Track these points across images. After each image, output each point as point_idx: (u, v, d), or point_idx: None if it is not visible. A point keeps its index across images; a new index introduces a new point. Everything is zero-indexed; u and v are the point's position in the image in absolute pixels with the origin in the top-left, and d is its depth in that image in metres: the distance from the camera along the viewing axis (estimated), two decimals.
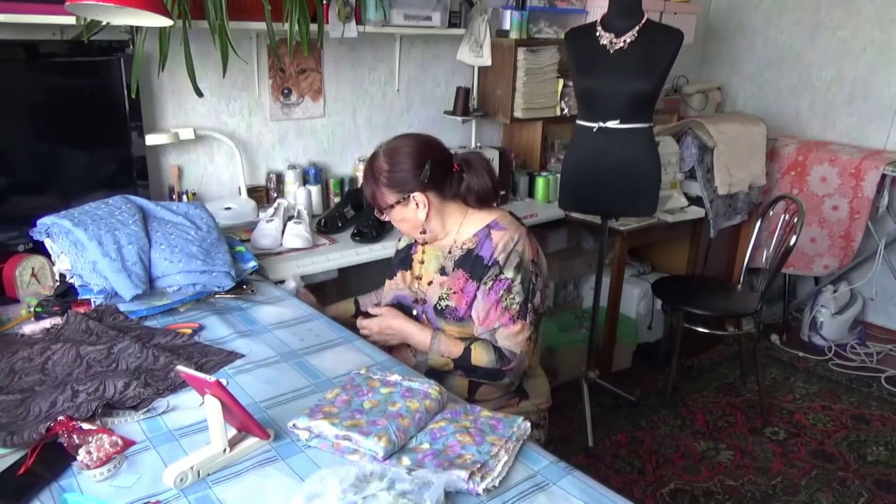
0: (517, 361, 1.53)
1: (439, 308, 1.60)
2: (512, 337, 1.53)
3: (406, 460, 1.11)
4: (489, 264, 1.56)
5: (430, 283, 1.64)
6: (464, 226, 1.63)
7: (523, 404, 1.70)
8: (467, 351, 1.53)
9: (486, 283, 1.55)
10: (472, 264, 1.58)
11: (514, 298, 1.53)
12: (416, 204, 1.57)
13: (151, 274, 1.72)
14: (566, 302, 3.49)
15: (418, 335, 1.61)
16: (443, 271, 1.62)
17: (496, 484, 1.08)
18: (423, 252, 1.71)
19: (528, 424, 1.22)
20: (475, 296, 1.57)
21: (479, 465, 1.08)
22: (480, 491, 1.06)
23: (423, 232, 1.62)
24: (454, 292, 1.58)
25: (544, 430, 1.74)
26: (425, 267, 1.69)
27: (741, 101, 4.08)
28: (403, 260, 1.75)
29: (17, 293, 1.72)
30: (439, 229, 1.62)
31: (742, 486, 2.49)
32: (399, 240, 1.82)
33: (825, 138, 3.72)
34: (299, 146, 2.66)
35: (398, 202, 1.56)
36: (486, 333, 1.54)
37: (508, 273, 1.54)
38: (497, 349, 1.53)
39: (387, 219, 1.63)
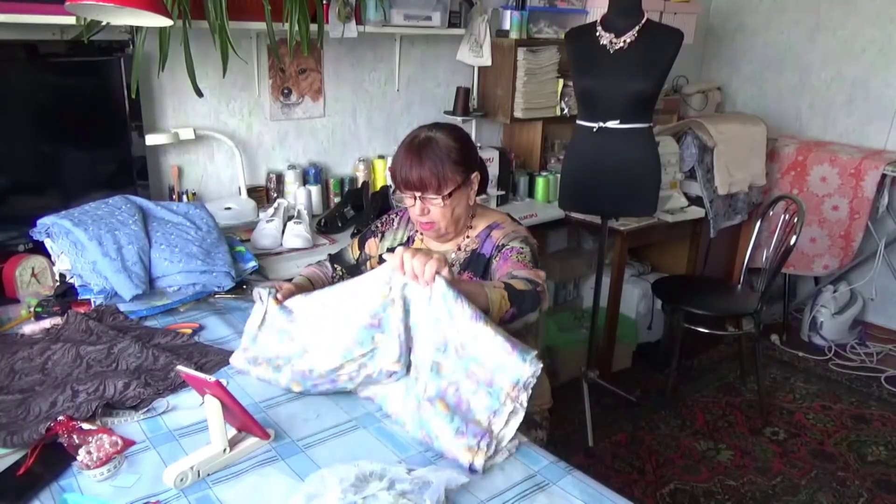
0: (543, 286, 1.43)
1: None
2: (530, 272, 1.45)
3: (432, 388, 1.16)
4: (492, 254, 1.55)
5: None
6: (471, 229, 1.61)
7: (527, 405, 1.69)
8: (505, 283, 1.38)
9: (493, 263, 1.53)
10: (476, 263, 1.57)
11: (524, 256, 1.50)
12: (472, 186, 1.54)
13: (151, 274, 1.72)
14: (566, 302, 3.49)
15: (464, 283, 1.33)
16: None
17: (503, 456, 1.14)
18: None
19: (540, 365, 1.17)
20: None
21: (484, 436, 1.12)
22: (481, 469, 1.10)
23: (451, 226, 1.54)
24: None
25: (546, 431, 1.74)
26: None
27: (741, 101, 4.08)
28: None
29: (17, 293, 1.72)
30: (463, 220, 1.57)
31: (742, 486, 2.49)
32: (379, 238, 1.70)
33: (825, 138, 3.72)
34: (299, 146, 2.66)
35: (462, 182, 1.50)
36: (504, 278, 1.46)
37: (513, 244, 1.52)
38: (521, 277, 1.43)
39: (426, 214, 1.50)
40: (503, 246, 1.54)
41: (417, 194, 1.49)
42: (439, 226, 1.54)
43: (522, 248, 1.52)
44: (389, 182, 2.68)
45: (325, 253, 2.16)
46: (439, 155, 1.47)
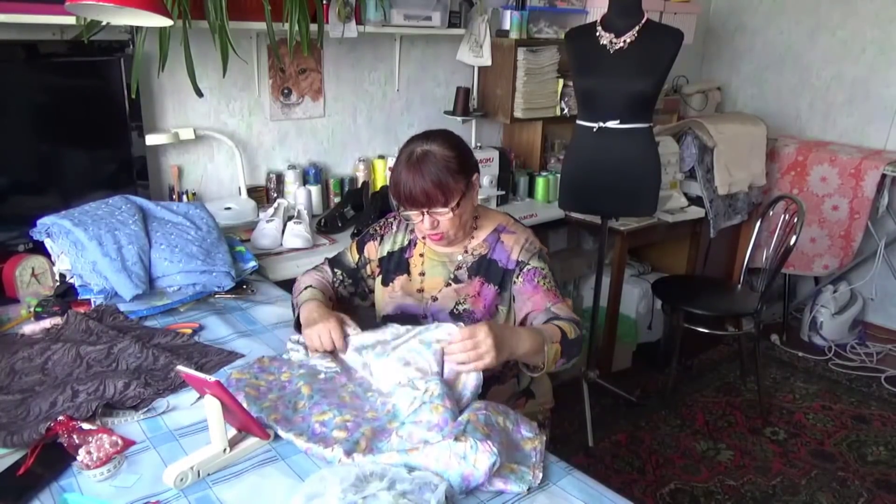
0: (582, 326, 1.48)
1: (456, 312, 1.56)
2: (566, 309, 1.50)
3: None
4: (510, 268, 1.54)
5: (439, 292, 1.59)
6: (476, 230, 1.60)
7: (529, 404, 1.69)
8: (561, 329, 1.41)
9: (515, 282, 1.54)
10: (487, 268, 1.56)
11: (550, 282, 1.53)
12: (475, 188, 1.53)
13: (151, 274, 1.72)
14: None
15: (526, 334, 1.35)
16: (456, 280, 1.59)
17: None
18: (423, 263, 1.63)
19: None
20: (493, 299, 1.55)
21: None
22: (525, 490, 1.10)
23: (460, 231, 1.54)
24: (471, 296, 1.56)
25: (548, 430, 1.74)
26: (427, 279, 1.62)
27: (741, 101, 4.08)
28: (399, 265, 1.65)
29: (17, 293, 1.72)
30: (469, 223, 1.57)
31: (742, 486, 2.49)
32: (378, 241, 1.69)
33: (825, 138, 3.72)
34: (299, 146, 2.66)
35: (467, 188, 1.49)
36: (541, 315, 1.49)
37: (535, 263, 1.54)
38: (566, 319, 1.46)
39: (436, 227, 1.49)
40: (524, 264, 1.54)
41: (424, 210, 1.48)
42: (449, 234, 1.53)
43: (545, 270, 1.54)
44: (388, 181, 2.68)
45: (324, 253, 2.17)
46: (439, 168, 1.45)
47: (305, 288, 1.62)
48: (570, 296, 3.51)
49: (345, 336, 1.44)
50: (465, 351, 1.25)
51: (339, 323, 1.45)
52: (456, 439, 1.07)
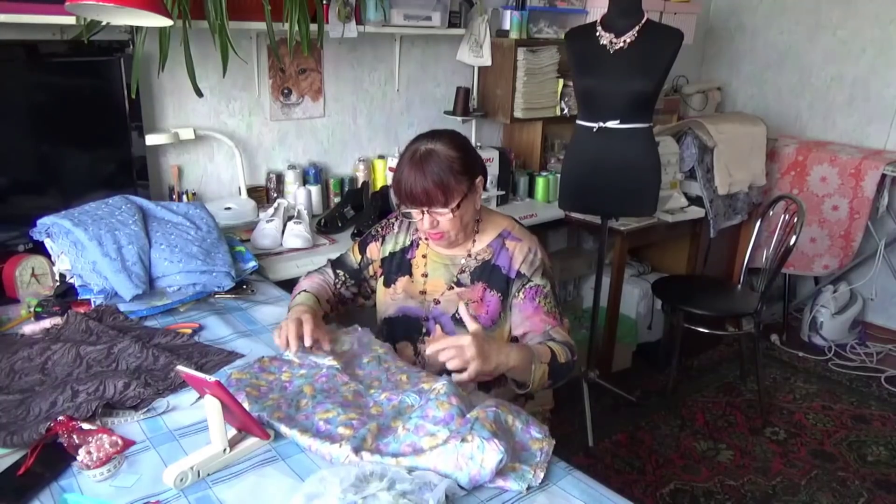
0: (576, 352, 1.49)
1: (458, 317, 1.55)
2: (563, 333, 1.50)
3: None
4: (512, 277, 1.54)
5: (441, 295, 1.59)
6: (479, 234, 1.59)
7: (529, 405, 1.69)
8: (552, 351, 1.42)
9: (516, 296, 1.53)
10: (490, 274, 1.56)
11: (550, 302, 1.53)
12: (477, 191, 1.52)
13: (151, 274, 1.72)
14: (566, 302, 3.49)
15: (514, 350, 1.35)
16: (458, 283, 1.58)
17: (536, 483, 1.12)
18: (426, 264, 1.62)
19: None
20: (498, 306, 1.55)
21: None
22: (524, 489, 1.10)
23: (461, 233, 1.54)
24: (473, 301, 1.56)
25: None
26: (430, 280, 1.61)
27: (741, 102, 4.08)
28: (401, 266, 1.65)
29: (17, 293, 1.72)
30: (471, 225, 1.57)
31: (742, 486, 2.49)
32: (380, 242, 1.69)
33: (825, 138, 3.72)
34: (299, 146, 2.66)
35: (468, 191, 1.49)
36: (538, 337, 1.49)
37: (538, 280, 1.53)
38: (561, 343, 1.47)
39: (435, 226, 1.49)
40: (527, 280, 1.53)
41: (425, 209, 1.48)
42: (449, 234, 1.52)
43: (546, 289, 1.53)
44: (389, 182, 2.69)
45: (324, 253, 2.17)
46: (442, 167, 1.44)
47: (299, 293, 1.61)
48: (570, 296, 3.52)
49: (303, 340, 1.40)
50: (450, 357, 1.24)
51: (298, 323, 1.41)
52: (463, 440, 1.07)
